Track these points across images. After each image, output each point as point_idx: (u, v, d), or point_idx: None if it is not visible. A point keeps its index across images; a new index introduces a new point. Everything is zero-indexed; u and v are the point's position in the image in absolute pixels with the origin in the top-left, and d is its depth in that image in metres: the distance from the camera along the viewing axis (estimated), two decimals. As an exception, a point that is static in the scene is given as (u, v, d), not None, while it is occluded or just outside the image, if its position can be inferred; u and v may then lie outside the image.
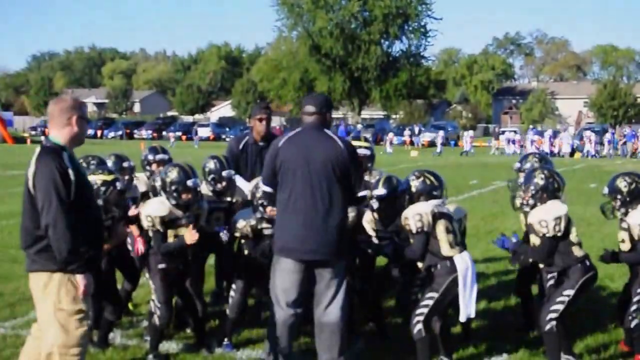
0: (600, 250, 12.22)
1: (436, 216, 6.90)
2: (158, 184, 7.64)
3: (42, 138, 5.74)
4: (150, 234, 7.46)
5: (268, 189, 6.82)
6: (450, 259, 6.89)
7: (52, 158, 5.54)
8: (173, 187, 7.36)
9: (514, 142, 56.64)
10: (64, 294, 5.60)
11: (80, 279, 5.64)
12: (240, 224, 7.61)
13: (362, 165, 6.89)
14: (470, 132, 57.04)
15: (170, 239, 7.40)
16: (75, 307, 5.63)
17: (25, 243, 5.62)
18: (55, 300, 5.56)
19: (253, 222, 7.58)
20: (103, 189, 7.45)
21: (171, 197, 7.38)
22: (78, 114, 5.73)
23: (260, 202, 7.50)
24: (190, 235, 7.28)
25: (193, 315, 7.81)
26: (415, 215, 6.86)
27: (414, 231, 6.89)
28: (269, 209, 7.38)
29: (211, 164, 8.37)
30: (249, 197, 7.83)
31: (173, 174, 7.40)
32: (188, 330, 8.21)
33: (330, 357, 6.71)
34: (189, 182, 7.35)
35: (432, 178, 7.11)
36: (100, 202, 7.26)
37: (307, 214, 6.50)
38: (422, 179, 7.09)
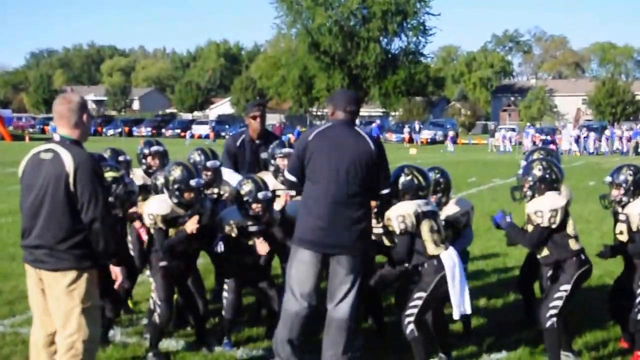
0: (599, 248, 12.30)
1: (420, 217, 6.87)
2: (160, 182, 7.66)
3: (55, 136, 5.80)
4: (152, 231, 7.45)
5: (292, 178, 6.82)
6: (437, 257, 6.89)
7: (87, 154, 5.73)
8: (176, 186, 7.33)
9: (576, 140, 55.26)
10: (92, 290, 5.77)
11: (119, 272, 6.13)
12: (227, 226, 7.61)
13: (387, 164, 6.95)
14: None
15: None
16: (98, 301, 5.91)
17: (55, 238, 5.61)
18: (84, 297, 5.68)
19: (239, 221, 7.58)
20: (113, 186, 7.47)
21: (173, 196, 7.36)
22: (88, 112, 5.89)
23: (246, 199, 7.53)
24: (191, 224, 7.27)
25: (194, 313, 7.81)
26: (398, 217, 6.85)
27: (398, 232, 6.89)
28: (254, 205, 7.47)
29: (195, 155, 8.41)
30: (235, 193, 7.81)
31: (176, 173, 7.36)
32: (188, 328, 8.21)
33: (334, 354, 6.75)
34: (192, 182, 7.31)
35: (420, 177, 7.06)
36: (111, 199, 7.36)
37: (330, 207, 6.56)
38: (410, 177, 7.03)
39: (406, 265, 7.12)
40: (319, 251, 6.63)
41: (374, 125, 59.34)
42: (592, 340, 8.07)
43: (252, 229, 7.57)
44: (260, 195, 7.46)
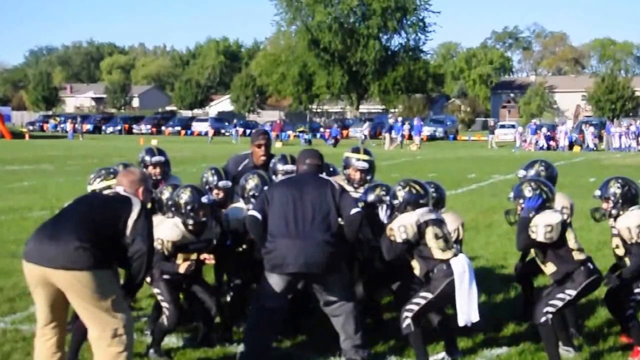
0: (599, 244, 12.47)
1: (422, 226, 6.98)
2: (165, 196, 7.75)
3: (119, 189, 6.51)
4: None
5: (257, 215, 7.13)
6: (447, 262, 6.96)
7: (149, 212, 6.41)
8: (188, 207, 7.40)
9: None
10: (115, 282, 6.21)
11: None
12: (233, 222, 7.81)
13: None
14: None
15: (179, 261, 7.48)
16: (120, 290, 6.25)
17: (91, 242, 5.91)
18: (111, 291, 6.01)
19: (245, 214, 7.67)
20: None
21: (188, 218, 7.43)
22: (144, 187, 6.51)
23: (251, 193, 7.79)
24: (184, 267, 7.38)
25: (204, 315, 7.78)
26: (400, 227, 6.98)
27: (400, 241, 7.01)
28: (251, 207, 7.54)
29: (209, 175, 8.45)
30: (240, 192, 8.07)
31: (185, 195, 7.43)
32: (190, 326, 8.21)
33: (347, 336, 7.13)
34: (204, 199, 7.41)
35: (417, 187, 7.18)
36: None
37: (297, 234, 6.94)
38: (407, 188, 7.16)
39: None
40: (291, 272, 6.93)
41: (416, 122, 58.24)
42: (592, 335, 8.10)
43: None
44: (266, 188, 7.55)
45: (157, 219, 7.75)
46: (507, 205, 7.80)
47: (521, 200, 7.19)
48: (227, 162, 9.62)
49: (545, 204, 7.13)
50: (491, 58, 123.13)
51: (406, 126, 57.29)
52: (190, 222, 7.41)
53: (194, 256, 7.50)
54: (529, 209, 7.08)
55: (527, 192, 7.16)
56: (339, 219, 7.07)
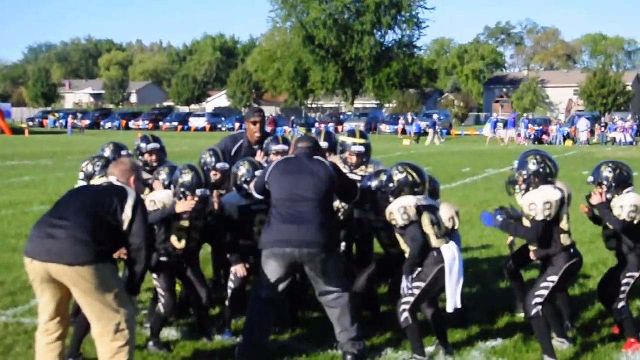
0: (593, 236, 12.35)
1: (420, 210, 7.03)
2: (162, 177, 7.81)
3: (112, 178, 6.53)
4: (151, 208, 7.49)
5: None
6: (438, 249, 7.03)
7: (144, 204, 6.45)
8: (182, 190, 7.42)
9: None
10: (118, 276, 6.34)
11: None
12: (228, 209, 7.81)
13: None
14: None
15: (173, 237, 7.53)
16: (123, 283, 6.33)
17: (93, 236, 5.94)
18: (114, 284, 6.07)
19: (241, 203, 7.82)
20: None
21: (177, 198, 7.45)
22: (135, 176, 6.57)
23: (243, 179, 7.83)
24: (182, 206, 7.32)
25: (197, 303, 7.86)
26: (400, 209, 6.99)
27: (401, 225, 7.03)
28: (252, 184, 7.62)
29: (207, 156, 8.42)
30: (232, 180, 8.07)
31: (187, 177, 7.41)
32: (189, 320, 8.37)
33: (344, 329, 7.11)
34: (198, 192, 7.36)
35: (415, 175, 7.17)
36: None
37: (294, 215, 6.95)
38: (405, 174, 7.16)
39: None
40: (287, 255, 6.91)
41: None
42: (585, 327, 8.19)
43: (254, 207, 7.79)
44: (257, 173, 7.67)
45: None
46: (502, 199, 7.71)
47: (524, 172, 7.24)
48: (223, 141, 9.68)
49: (547, 178, 7.20)
50: (483, 54, 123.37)
51: (401, 121, 57.49)
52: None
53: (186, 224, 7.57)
54: (495, 226, 7.36)
55: (532, 164, 7.21)
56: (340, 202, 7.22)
